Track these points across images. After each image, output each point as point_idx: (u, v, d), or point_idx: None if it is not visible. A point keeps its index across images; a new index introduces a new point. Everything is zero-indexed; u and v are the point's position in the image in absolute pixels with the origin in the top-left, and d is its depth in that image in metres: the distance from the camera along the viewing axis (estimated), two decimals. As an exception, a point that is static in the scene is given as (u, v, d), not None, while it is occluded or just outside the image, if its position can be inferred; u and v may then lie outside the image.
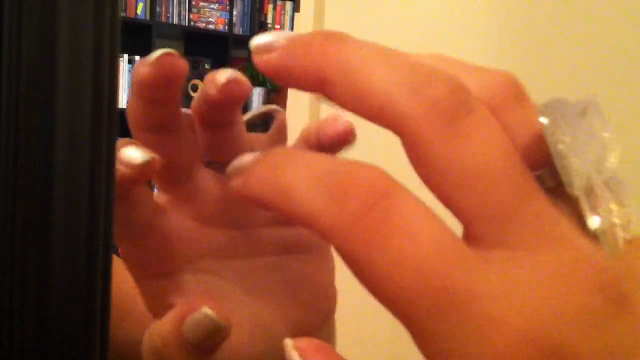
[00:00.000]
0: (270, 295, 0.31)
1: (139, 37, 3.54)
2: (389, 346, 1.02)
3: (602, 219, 0.18)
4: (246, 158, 0.21)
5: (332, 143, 0.31)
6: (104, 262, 0.21)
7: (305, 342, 0.20)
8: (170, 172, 0.30)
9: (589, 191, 0.18)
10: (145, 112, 0.28)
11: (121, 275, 0.31)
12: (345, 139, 0.30)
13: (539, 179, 0.19)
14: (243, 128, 0.31)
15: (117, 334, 0.47)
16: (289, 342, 0.20)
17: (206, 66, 3.63)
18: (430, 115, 0.17)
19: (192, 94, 3.61)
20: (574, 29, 0.79)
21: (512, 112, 0.19)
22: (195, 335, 0.26)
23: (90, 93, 0.21)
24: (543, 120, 0.18)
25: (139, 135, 0.29)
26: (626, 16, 0.74)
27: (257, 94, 3.81)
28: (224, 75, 0.27)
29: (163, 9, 3.60)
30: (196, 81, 3.60)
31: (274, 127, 0.32)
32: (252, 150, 0.30)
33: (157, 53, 0.27)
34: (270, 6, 3.98)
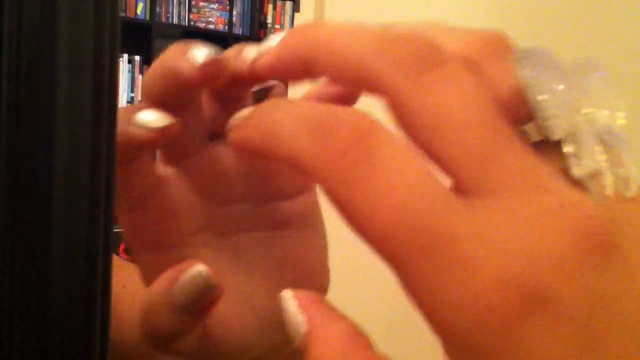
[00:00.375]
0: (264, 271, 0.31)
1: (139, 37, 3.53)
2: (384, 343, 1.02)
3: (585, 164, 0.18)
4: (242, 112, 0.22)
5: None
6: (104, 262, 0.21)
7: (302, 293, 0.20)
8: (176, 145, 0.30)
9: (574, 138, 0.18)
10: (166, 90, 0.28)
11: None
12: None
13: (525, 134, 0.19)
14: (248, 102, 0.31)
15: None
16: (287, 293, 0.21)
17: (206, 66, 3.63)
18: (400, 70, 0.18)
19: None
20: (574, 29, 0.79)
21: (492, 67, 0.19)
22: (186, 295, 0.26)
23: (90, 93, 0.21)
24: (520, 68, 0.19)
25: (148, 104, 0.28)
26: (627, 16, 0.74)
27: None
28: (252, 51, 0.26)
29: (163, 9, 3.60)
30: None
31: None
32: None
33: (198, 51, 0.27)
34: (270, 6, 3.98)
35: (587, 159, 0.18)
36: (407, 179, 0.17)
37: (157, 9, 3.57)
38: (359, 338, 0.19)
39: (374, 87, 0.18)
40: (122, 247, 3.51)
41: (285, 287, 0.31)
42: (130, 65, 3.48)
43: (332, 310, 0.20)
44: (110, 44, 0.21)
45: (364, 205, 0.17)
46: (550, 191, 0.17)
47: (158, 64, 0.27)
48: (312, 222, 0.32)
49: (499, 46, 0.20)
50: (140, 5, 3.53)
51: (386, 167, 0.17)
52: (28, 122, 0.20)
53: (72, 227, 0.21)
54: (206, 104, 0.31)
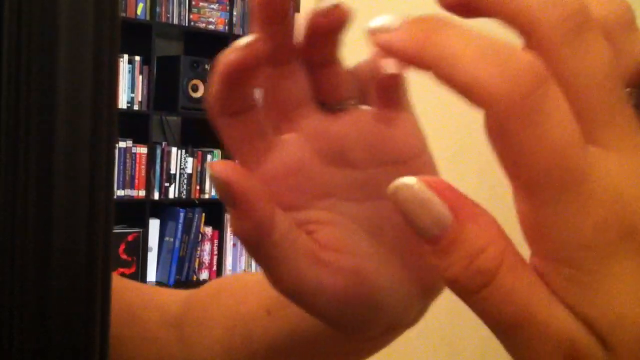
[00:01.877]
0: (391, 238, 0.32)
1: (139, 37, 3.53)
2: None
3: None
4: (389, 17, 0.23)
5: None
6: (103, 262, 0.21)
7: (435, 179, 0.22)
8: (285, 108, 0.31)
9: None
10: (266, 42, 0.29)
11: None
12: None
13: (627, 95, 0.23)
14: (343, 68, 0.32)
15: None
16: (412, 180, 0.22)
17: (206, 66, 3.62)
18: (564, 25, 0.21)
19: (193, 94, 3.61)
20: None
21: (620, 35, 0.23)
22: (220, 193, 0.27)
23: (90, 93, 0.21)
24: None
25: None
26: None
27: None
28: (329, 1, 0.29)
29: (163, 9, 3.60)
30: (196, 81, 3.60)
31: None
32: (354, 89, 0.31)
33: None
34: (270, 6, 3.97)
35: None
36: (567, 127, 0.20)
37: (157, 9, 3.57)
38: (502, 229, 0.21)
39: (529, 29, 0.21)
40: (122, 247, 3.51)
41: (411, 254, 0.32)
42: (130, 66, 3.48)
43: (470, 199, 0.21)
44: (110, 44, 0.21)
45: (532, 142, 0.20)
46: None
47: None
48: None
49: (627, 19, 0.24)
50: (141, 6, 3.53)
51: (555, 115, 0.20)
52: (28, 122, 0.20)
53: (72, 227, 0.21)
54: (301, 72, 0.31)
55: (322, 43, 0.29)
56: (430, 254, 0.21)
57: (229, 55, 0.28)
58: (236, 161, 0.30)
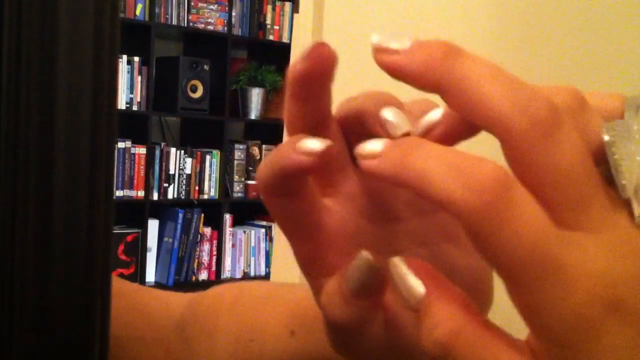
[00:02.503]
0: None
1: (138, 38, 3.53)
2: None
3: None
4: (374, 142, 0.25)
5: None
6: (103, 262, 0.21)
7: (414, 260, 0.25)
8: (327, 172, 0.32)
9: (638, 189, 0.23)
10: (301, 111, 0.29)
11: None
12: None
13: (601, 172, 0.23)
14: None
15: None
16: (396, 259, 0.25)
17: (205, 67, 3.62)
18: (534, 130, 0.22)
19: (192, 95, 3.61)
20: (575, 28, 0.79)
21: (580, 118, 0.25)
22: (354, 280, 0.28)
23: (90, 93, 0.21)
24: (605, 136, 0.24)
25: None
26: (628, 15, 0.74)
27: (257, 94, 3.81)
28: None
29: (162, 10, 3.59)
30: (195, 82, 3.59)
31: None
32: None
33: (308, 46, 0.28)
34: (269, 7, 3.97)
35: None
36: (535, 224, 0.21)
37: (156, 10, 3.57)
38: (471, 304, 0.23)
39: (501, 134, 0.22)
40: (121, 247, 3.51)
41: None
42: (129, 66, 3.47)
43: (443, 278, 0.24)
44: (109, 45, 0.21)
45: (503, 241, 0.21)
46: (623, 228, 0.23)
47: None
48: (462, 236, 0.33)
49: (578, 104, 0.25)
50: (140, 6, 3.53)
51: (521, 215, 0.21)
52: (28, 121, 0.20)
53: (72, 227, 0.21)
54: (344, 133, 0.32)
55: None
56: (416, 322, 0.24)
57: (298, 158, 0.27)
58: (287, 236, 0.30)
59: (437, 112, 0.28)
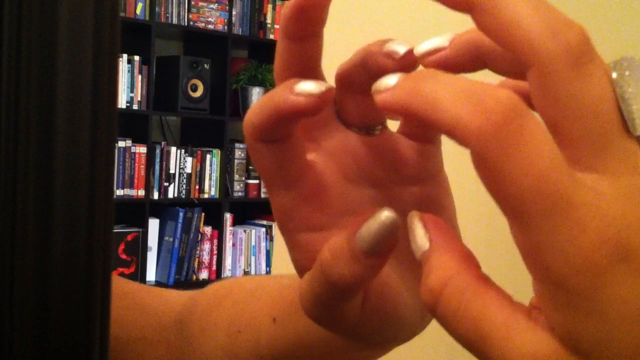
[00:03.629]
0: (406, 254, 0.32)
1: (138, 37, 3.53)
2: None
3: None
4: (390, 77, 0.24)
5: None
6: (104, 262, 0.21)
7: (427, 216, 0.25)
8: (311, 127, 0.32)
9: None
10: (294, 54, 0.29)
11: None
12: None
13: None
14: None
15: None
16: (414, 214, 0.25)
17: (206, 66, 3.62)
18: (565, 57, 0.21)
19: (192, 94, 3.61)
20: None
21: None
22: (371, 237, 0.28)
23: (90, 93, 0.21)
24: (613, 74, 0.23)
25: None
26: (628, 14, 0.74)
27: (257, 93, 3.81)
28: (401, 47, 0.29)
29: (162, 9, 3.59)
30: (195, 81, 3.59)
31: None
32: (382, 115, 0.32)
33: None
34: (270, 6, 3.97)
35: None
36: (546, 155, 0.21)
37: (157, 9, 3.57)
38: (472, 259, 0.23)
39: (530, 59, 0.22)
40: (121, 247, 3.51)
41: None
42: (129, 65, 3.48)
43: (451, 233, 0.24)
44: (109, 44, 0.21)
45: (508, 170, 0.20)
46: None
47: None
48: (439, 209, 0.34)
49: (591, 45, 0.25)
50: (140, 6, 3.52)
51: (532, 143, 0.21)
52: (28, 122, 0.20)
53: (72, 227, 0.21)
54: (339, 93, 0.32)
55: (363, 72, 0.29)
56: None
57: (296, 99, 0.27)
58: (268, 185, 0.30)
59: (443, 38, 0.27)
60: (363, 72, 0.30)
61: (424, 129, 0.32)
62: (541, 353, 0.21)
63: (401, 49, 0.28)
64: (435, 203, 0.33)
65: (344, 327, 0.31)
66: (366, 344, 0.34)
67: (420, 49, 0.27)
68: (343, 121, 0.32)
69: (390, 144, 0.32)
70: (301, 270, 0.31)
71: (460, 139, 0.21)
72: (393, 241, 0.28)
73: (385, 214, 0.28)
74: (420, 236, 0.25)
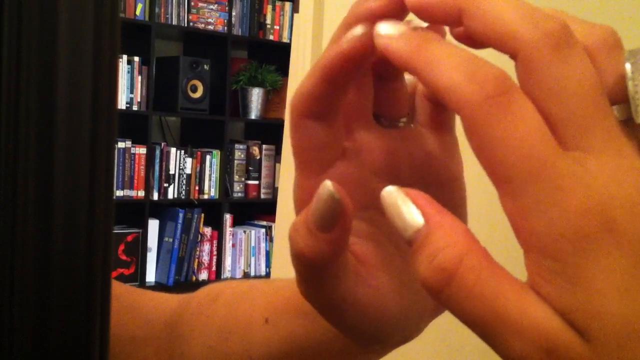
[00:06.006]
0: (409, 263, 0.33)
1: (138, 38, 3.53)
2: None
3: None
4: (394, 24, 0.26)
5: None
6: (104, 262, 0.21)
7: (413, 190, 0.24)
8: (349, 117, 0.32)
9: None
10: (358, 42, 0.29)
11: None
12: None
13: (615, 111, 0.24)
14: (405, 84, 0.33)
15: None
16: (391, 188, 0.25)
17: (205, 67, 3.62)
18: (545, 42, 0.23)
19: (192, 94, 3.61)
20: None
21: (606, 56, 0.25)
22: (317, 209, 0.28)
23: (89, 93, 0.21)
24: (627, 64, 0.24)
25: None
26: (628, 13, 0.74)
27: (256, 94, 3.81)
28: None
29: (162, 10, 3.59)
30: (195, 82, 3.59)
31: None
32: (412, 103, 0.33)
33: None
34: (270, 7, 3.97)
35: None
36: (534, 125, 0.22)
37: (156, 10, 3.56)
38: (473, 235, 0.23)
39: (514, 49, 0.23)
40: (121, 247, 3.51)
41: None
42: (129, 66, 3.47)
43: (444, 209, 0.24)
44: (109, 45, 0.21)
45: (497, 136, 0.22)
46: (626, 156, 0.22)
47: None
48: (458, 212, 0.34)
49: (615, 41, 0.25)
50: (140, 6, 3.52)
51: (520, 113, 0.22)
52: (28, 121, 0.20)
53: (72, 227, 0.21)
54: (370, 84, 0.32)
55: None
56: (411, 256, 0.23)
57: (339, 46, 0.27)
58: (299, 165, 0.31)
59: None
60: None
61: (439, 115, 0.33)
62: (550, 327, 0.21)
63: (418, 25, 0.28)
64: (451, 209, 0.34)
65: (332, 312, 0.30)
66: (368, 345, 0.33)
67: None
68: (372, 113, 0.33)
69: (418, 142, 0.33)
70: None
71: (453, 104, 0.23)
72: (337, 215, 0.27)
73: (325, 187, 0.27)
74: (409, 213, 0.24)
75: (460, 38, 0.27)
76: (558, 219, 0.21)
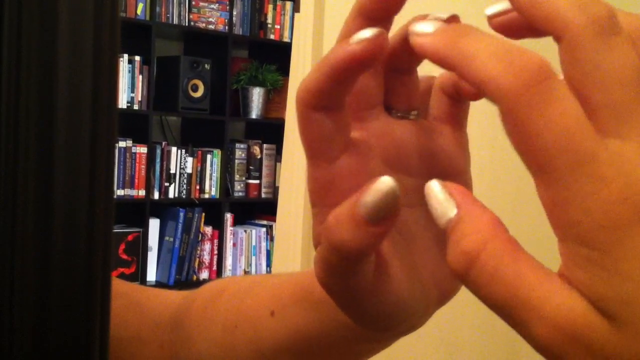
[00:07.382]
0: (421, 245, 0.34)
1: (138, 37, 3.52)
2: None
3: None
4: (429, 22, 0.26)
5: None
6: (104, 262, 0.21)
7: (450, 183, 0.25)
8: (360, 107, 0.32)
9: None
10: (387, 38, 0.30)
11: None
12: None
13: None
14: (417, 77, 0.34)
15: None
16: (435, 182, 0.26)
17: (206, 66, 3.62)
18: (591, 27, 0.23)
19: (193, 94, 3.61)
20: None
21: None
22: (373, 204, 0.28)
23: (90, 93, 0.21)
24: None
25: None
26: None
27: (257, 93, 3.81)
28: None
29: (163, 9, 3.59)
30: (196, 81, 3.59)
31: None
32: (424, 97, 0.33)
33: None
34: (270, 6, 3.97)
35: None
36: (572, 114, 0.22)
37: (157, 9, 3.56)
38: (502, 224, 0.24)
39: (559, 31, 0.23)
40: (122, 247, 3.51)
41: (435, 262, 0.33)
42: (130, 66, 3.47)
43: (477, 199, 0.25)
44: (110, 44, 0.21)
45: (536, 126, 0.22)
46: None
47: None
48: None
49: None
50: (140, 6, 3.52)
51: (559, 103, 0.22)
52: (28, 121, 0.20)
53: (72, 227, 0.21)
54: (380, 75, 0.33)
55: (410, 51, 0.30)
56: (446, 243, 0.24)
57: (350, 47, 0.28)
58: (309, 155, 0.31)
59: (500, 4, 0.28)
60: (404, 50, 0.30)
61: (454, 110, 0.33)
62: (575, 312, 0.22)
63: (443, 15, 0.29)
64: None
65: (352, 301, 0.31)
66: (371, 331, 0.34)
67: (492, 10, 0.28)
68: (384, 104, 0.33)
69: (429, 135, 0.33)
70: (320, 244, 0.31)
71: (492, 95, 0.23)
72: (393, 210, 0.28)
73: (386, 183, 0.28)
74: (445, 203, 0.25)
75: (497, 28, 0.27)
76: (597, 209, 0.21)
